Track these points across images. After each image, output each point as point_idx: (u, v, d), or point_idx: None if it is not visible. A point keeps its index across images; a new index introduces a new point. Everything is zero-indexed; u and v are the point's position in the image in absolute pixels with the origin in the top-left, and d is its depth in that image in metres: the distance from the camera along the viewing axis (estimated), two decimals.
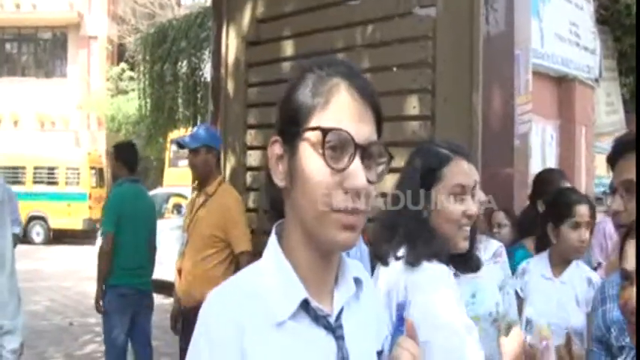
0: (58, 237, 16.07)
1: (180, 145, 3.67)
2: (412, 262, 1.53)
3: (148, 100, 10.71)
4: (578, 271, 2.59)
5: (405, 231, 1.59)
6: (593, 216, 2.63)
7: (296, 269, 0.98)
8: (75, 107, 19.71)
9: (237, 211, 3.41)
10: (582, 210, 2.54)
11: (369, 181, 0.94)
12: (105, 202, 4.62)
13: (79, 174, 16.06)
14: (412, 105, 2.98)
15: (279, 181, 0.98)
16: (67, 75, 20.89)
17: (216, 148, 3.54)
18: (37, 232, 16.10)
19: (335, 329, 0.98)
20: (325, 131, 0.92)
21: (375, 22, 3.17)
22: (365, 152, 0.94)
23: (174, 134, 10.69)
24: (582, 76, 6.86)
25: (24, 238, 11.20)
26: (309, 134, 0.94)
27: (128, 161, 4.30)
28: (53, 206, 15.83)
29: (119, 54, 20.52)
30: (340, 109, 0.94)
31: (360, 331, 1.03)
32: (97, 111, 18.64)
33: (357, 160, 0.93)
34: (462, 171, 1.61)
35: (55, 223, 15.96)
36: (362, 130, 0.94)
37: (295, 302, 0.96)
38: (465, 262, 1.68)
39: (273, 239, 1.02)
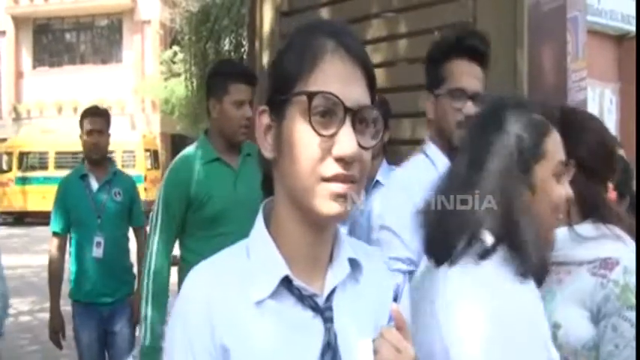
0: None
1: None
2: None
3: (194, 79, 10.75)
4: None
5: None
6: None
7: (283, 246, 0.92)
8: (130, 91, 20.15)
9: None
10: None
11: (362, 147, 0.87)
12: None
13: (134, 156, 16.21)
14: None
15: (268, 152, 0.92)
16: (122, 60, 21.41)
17: None
18: None
19: (323, 310, 0.91)
20: (311, 95, 0.85)
21: None
22: (356, 116, 0.87)
23: None
24: None
25: None
26: (295, 100, 0.87)
27: None
28: None
29: (172, 37, 20.83)
30: (327, 72, 0.87)
31: (356, 317, 0.95)
32: (151, 94, 18.99)
33: (348, 125, 0.86)
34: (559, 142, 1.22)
35: None
36: (352, 92, 0.87)
37: (275, 280, 0.90)
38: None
39: (259, 215, 0.96)
